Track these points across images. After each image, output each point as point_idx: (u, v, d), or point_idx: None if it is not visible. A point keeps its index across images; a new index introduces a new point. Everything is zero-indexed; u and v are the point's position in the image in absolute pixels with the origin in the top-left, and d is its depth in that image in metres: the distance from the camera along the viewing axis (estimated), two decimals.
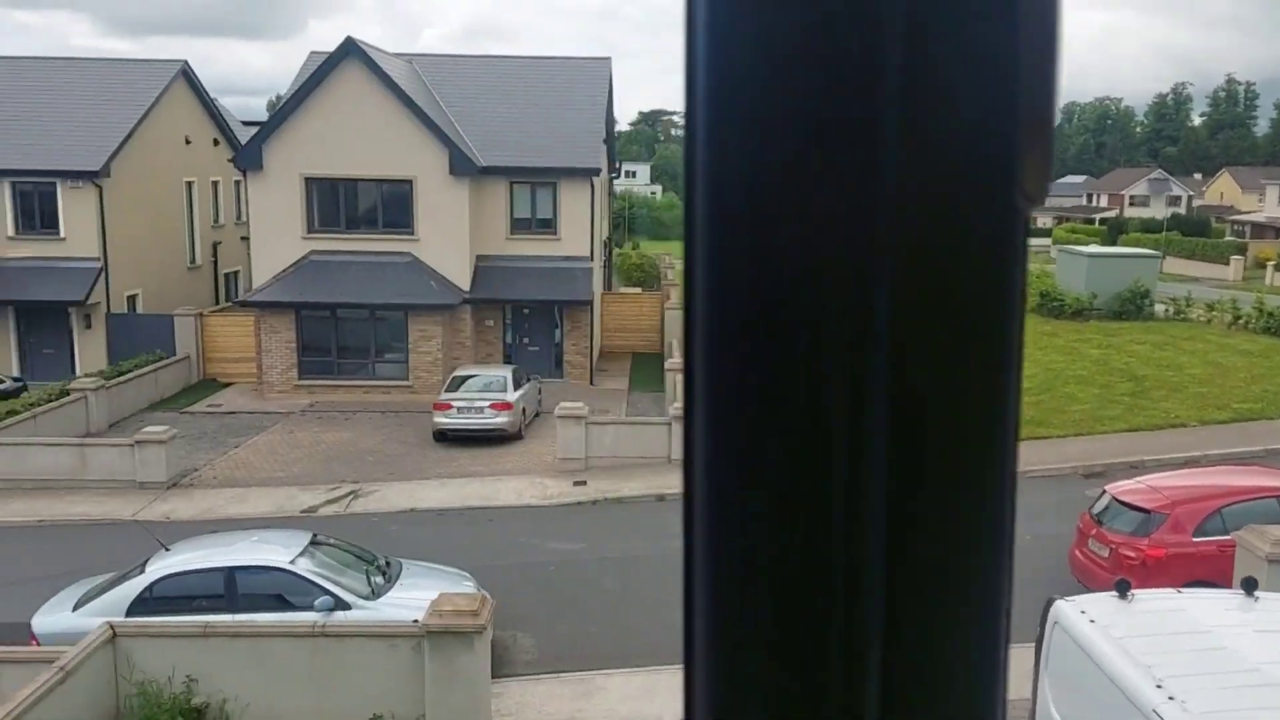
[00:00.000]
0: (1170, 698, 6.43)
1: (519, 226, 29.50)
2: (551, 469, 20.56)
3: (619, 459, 20.40)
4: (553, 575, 15.21)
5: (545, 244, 29.28)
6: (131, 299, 30.00)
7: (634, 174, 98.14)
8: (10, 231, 28.12)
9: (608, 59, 33.73)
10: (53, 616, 11.90)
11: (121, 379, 25.14)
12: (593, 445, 20.50)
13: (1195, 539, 12.57)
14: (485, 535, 17.17)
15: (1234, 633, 7.39)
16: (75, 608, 11.90)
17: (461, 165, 27.95)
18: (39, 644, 11.42)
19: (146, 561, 12.34)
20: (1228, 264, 55.34)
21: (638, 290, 40.83)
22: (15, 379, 26.04)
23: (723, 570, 0.48)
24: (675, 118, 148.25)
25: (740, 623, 0.47)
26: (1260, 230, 66.64)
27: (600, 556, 16.06)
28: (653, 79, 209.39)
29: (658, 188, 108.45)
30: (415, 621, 10.62)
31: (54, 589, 12.96)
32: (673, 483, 19.33)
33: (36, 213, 28.30)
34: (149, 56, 45.70)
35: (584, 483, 19.66)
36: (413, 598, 11.82)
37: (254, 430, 23.96)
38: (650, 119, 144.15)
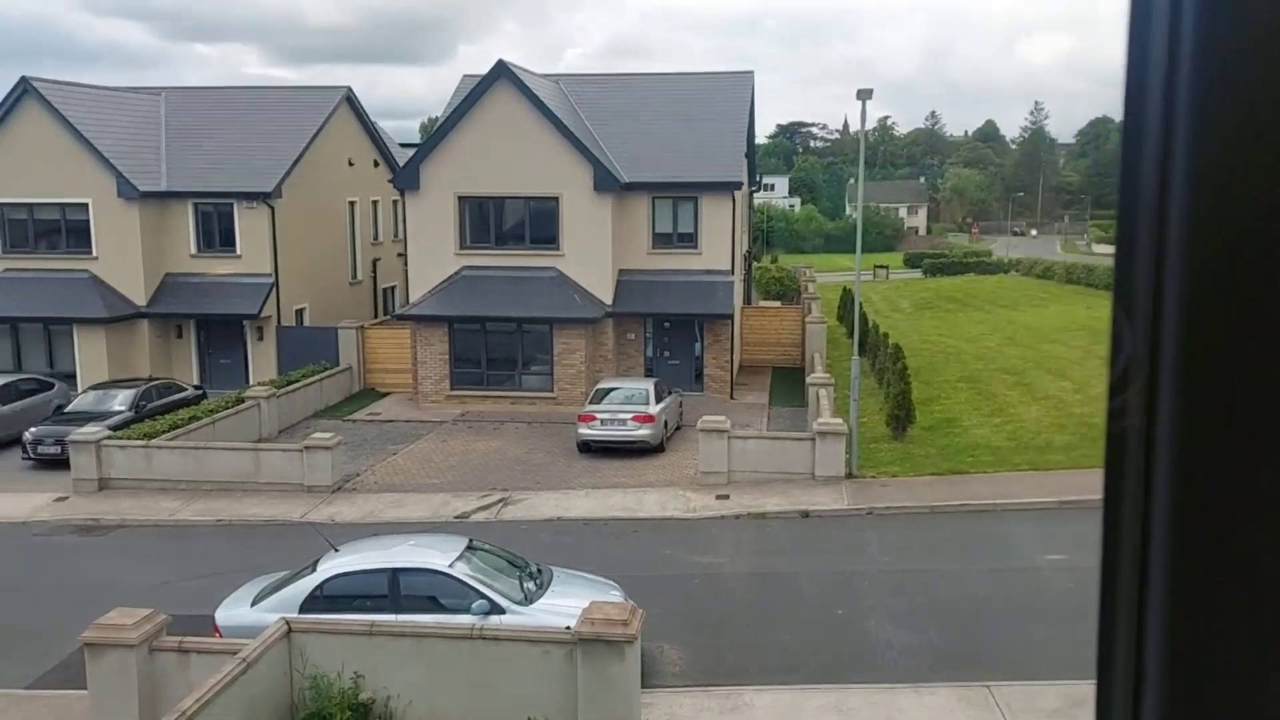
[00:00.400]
0: None
1: (660, 241, 29.90)
2: (693, 482, 20.72)
3: (761, 474, 20.38)
4: (697, 588, 15.34)
5: (686, 258, 29.57)
6: (299, 312, 31.90)
7: (772, 187, 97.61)
8: (193, 249, 30.39)
9: (750, 73, 33.83)
10: (234, 611, 12.80)
11: (290, 388, 26.77)
12: (735, 459, 20.55)
13: None
14: (630, 546, 17.46)
15: None
16: (254, 603, 12.76)
17: (605, 182, 28.56)
18: (221, 636, 12.31)
19: (317, 561, 13.12)
20: None
21: (777, 304, 40.70)
22: (196, 387, 28.08)
23: (1195, 578, 0.47)
24: (814, 129, 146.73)
25: (1214, 628, 0.46)
26: None
27: (745, 571, 16.10)
28: (791, 91, 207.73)
29: (796, 200, 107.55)
30: (567, 629, 10.93)
31: (233, 584, 13.94)
32: (818, 499, 19.19)
33: (216, 232, 30.50)
34: (313, 84, 48.39)
35: (726, 497, 19.73)
36: (564, 605, 12.17)
37: (410, 438, 25.07)
38: (788, 131, 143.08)
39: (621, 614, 10.76)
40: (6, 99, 28.98)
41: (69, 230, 29.51)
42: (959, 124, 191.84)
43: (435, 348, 28.63)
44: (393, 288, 38.23)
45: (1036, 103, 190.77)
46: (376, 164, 37.30)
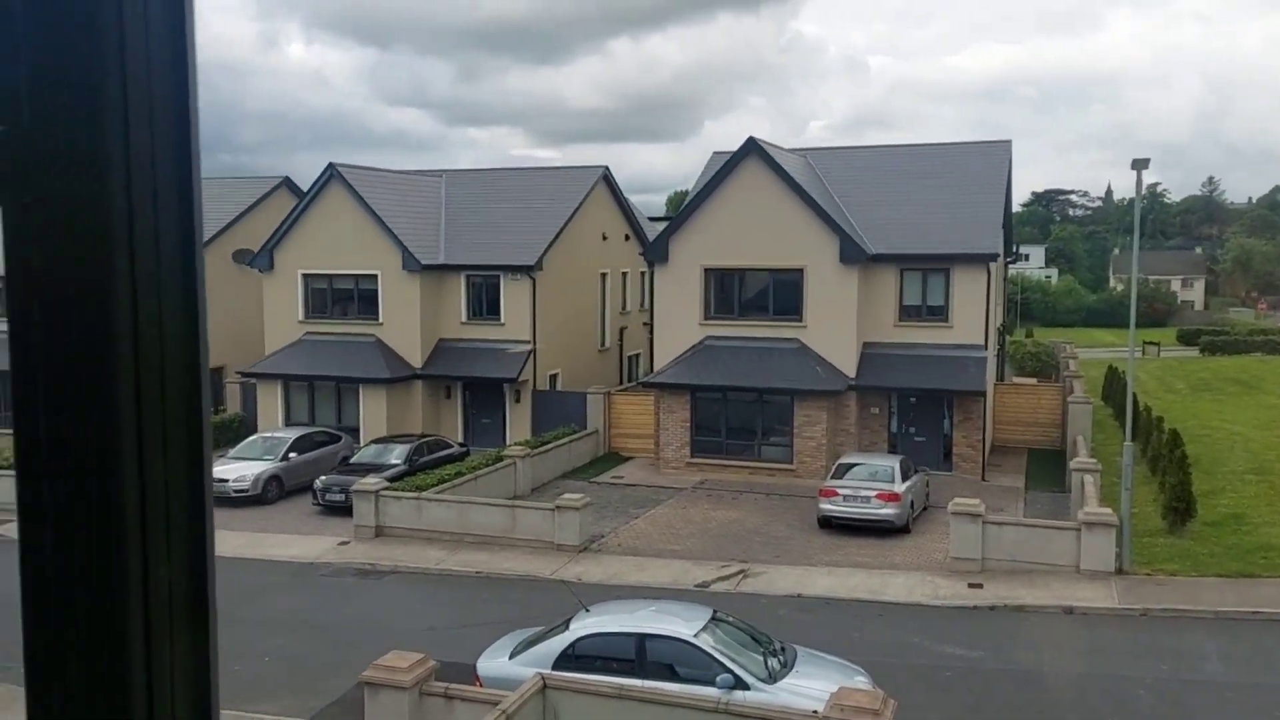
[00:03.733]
0: None
1: (908, 314, 29.31)
2: (943, 567, 19.89)
3: (1018, 563, 19.26)
4: (948, 681, 14.66)
5: (935, 331, 28.78)
6: (553, 377, 33.73)
7: (1027, 257, 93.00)
8: (463, 317, 32.99)
9: (1008, 142, 32.82)
10: (493, 661, 13.59)
11: (543, 448, 28.27)
12: (989, 546, 19.55)
13: None
14: (874, 630, 16.97)
15: None
16: (511, 655, 13.50)
17: (851, 253, 28.46)
18: (482, 684, 13.09)
19: (569, 620, 13.73)
20: None
21: (1033, 380, 38.57)
22: (461, 444, 30.24)
23: None
24: (1073, 196, 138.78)
25: None
26: None
27: (1000, 667, 15.21)
28: (1046, 157, 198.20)
29: (1053, 271, 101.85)
30: (815, 712, 10.79)
31: (490, 634, 14.81)
32: (1084, 595, 17.87)
33: (484, 301, 32.98)
34: (570, 163, 51.59)
35: (979, 585, 18.77)
36: (809, 686, 12.02)
37: (651, 503, 25.72)
38: (1044, 199, 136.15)
39: (873, 701, 10.51)
40: (316, 181, 32.94)
41: (360, 298, 32.87)
42: (1240, 190, 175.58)
43: (677, 415, 29.34)
44: (637, 355, 39.64)
45: None
46: (627, 238, 39.08)
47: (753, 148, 29.19)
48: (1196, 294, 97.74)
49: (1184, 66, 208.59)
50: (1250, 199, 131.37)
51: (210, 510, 1.05)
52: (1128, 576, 18.65)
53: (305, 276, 32.97)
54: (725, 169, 29.63)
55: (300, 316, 33.08)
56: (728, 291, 30.15)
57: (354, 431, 30.89)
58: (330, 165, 32.58)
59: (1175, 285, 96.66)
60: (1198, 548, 20.22)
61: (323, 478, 25.81)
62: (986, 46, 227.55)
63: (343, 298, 33.17)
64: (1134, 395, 25.54)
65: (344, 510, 23.69)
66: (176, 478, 1.01)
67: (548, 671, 12.37)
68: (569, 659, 12.96)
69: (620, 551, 21.75)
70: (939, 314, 29.07)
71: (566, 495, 22.72)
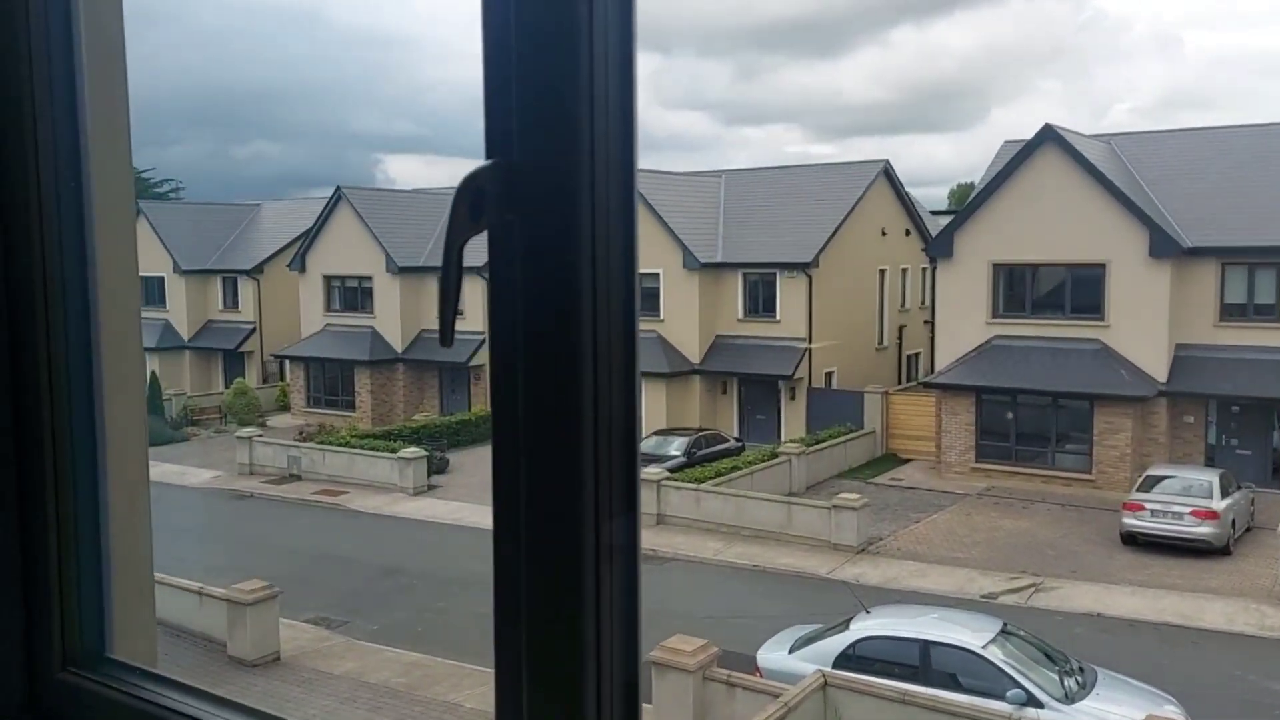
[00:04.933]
0: None
1: (1230, 312, 26.35)
2: (1271, 595, 17.76)
3: None
4: None
5: (1265, 332, 25.67)
6: (828, 375, 33.40)
7: None
8: (740, 314, 33.45)
9: None
10: (773, 654, 13.77)
11: (818, 446, 28.10)
12: None
13: None
14: (1186, 658, 15.47)
15: None
16: (791, 650, 13.62)
17: (1162, 246, 26.00)
18: (762, 676, 13.30)
19: (850, 620, 13.63)
20: None
21: None
22: (737, 439, 30.70)
23: None
24: None
25: None
26: None
27: None
28: None
29: None
30: None
31: (766, 627, 14.99)
32: None
33: (760, 298, 33.27)
34: (848, 158, 50.62)
35: None
36: (1110, 711, 11.23)
37: (932, 508, 24.85)
38: None
39: None
40: None
41: (644, 296, 34.15)
42: None
43: (961, 417, 28.11)
44: (917, 354, 38.35)
45: None
46: (908, 233, 37.91)
47: (1049, 135, 27.38)
48: None
49: None
50: None
51: (638, 487, 1.23)
52: None
53: None
54: (1018, 158, 28.00)
55: None
56: (1018, 288, 28.49)
57: None
58: None
59: None
60: None
61: None
62: None
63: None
64: None
65: None
66: (617, 460, 1.20)
67: (829, 669, 12.36)
68: (848, 659, 12.89)
69: (899, 555, 21.22)
70: (1269, 313, 25.91)
71: (843, 494, 22.48)
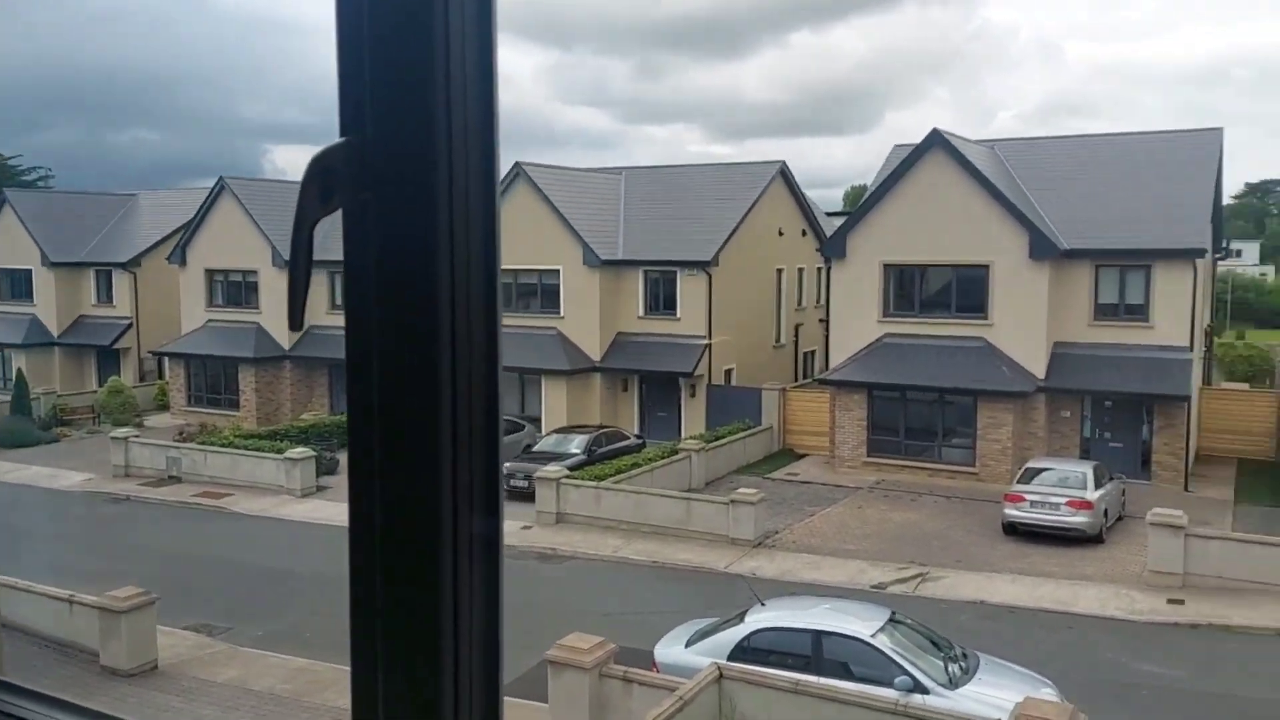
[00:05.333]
0: None
1: (1104, 312, 27.69)
2: (1140, 581, 18.73)
3: (1225, 581, 17.90)
4: (1145, 701, 13.84)
5: (1134, 331, 27.06)
6: (728, 372, 33.82)
7: (1239, 253, 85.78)
8: (641, 311, 33.58)
9: (1218, 130, 30.38)
10: (670, 650, 13.84)
11: (718, 443, 28.44)
12: (1192, 561, 18.26)
13: None
14: (1063, 643, 16.19)
15: None
16: (688, 645, 13.71)
17: (1042, 249, 27.14)
18: (659, 671, 13.36)
19: (745, 613, 13.81)
20: None
21: (1244, 386, 35.60)
22: (638, 436, 30.83)
23: None
24: None
25: None
26: None
27: (1206, 690, 14.22)
28: (1264, 146, 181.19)
29: (1269, 268, 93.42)
30: None
31: (665, 623, 15.07)
32: None
33: (660, 296, 33.46)
34: (747, 158, 51.37)
35: (1180, 601, 17.57)
36: (992, 695, 11.65)
37: (826, 501, 25.42)
38: (1259, 190, 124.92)
39: (1060, 714, 10.08)
40: (504, 180, 34.31)
41: (544, 293, 34.02)
42: None
43: (854, 413, 28.84)
44: (813, 352, 39.18)
45: None
46: (804, 233, 38.67)
47: (936, 140, 28.29)
48: None
49: None
50: None
51: (500, 482, 1.20)
52: None
53: None
54: (907, 162, 28.86)
55: None
56: (908, 288, 29.38)
57: (535, 420, 32.02)
58: (516, 164, 33.83)
59: None
60: None
61: (507, 464, 26.90)
62: (1195, 27, 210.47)
63: (526, 292, 34.39)
64: None
65: (526, 496, 24.61)
66: (477, 453, 1.17)
67: (724, 662, 12.50)
68: (744, 651, 13.05)
69: (795, 549, 21.63)
70: (1138, 313, 27.31)
71: (742, 490, 22.79)
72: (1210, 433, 29.49)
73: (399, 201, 1.12)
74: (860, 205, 31.37)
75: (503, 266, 1.16)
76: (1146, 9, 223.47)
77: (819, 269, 37.06)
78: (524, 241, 33.52)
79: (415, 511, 1.15)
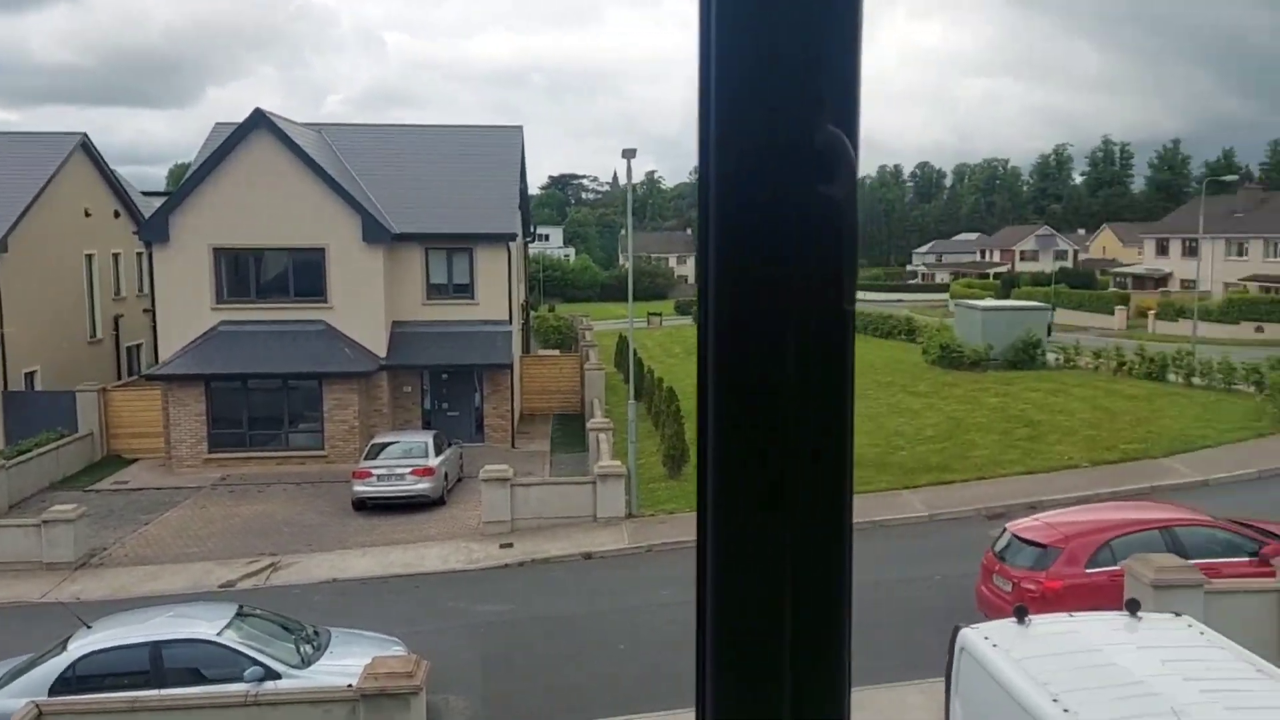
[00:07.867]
0: (1065, 710, 7.04)
1: (435, 292, 29.77)
2: (477, 533, 20.63)
3: (544, 520, 20.61)
4: (482, 637, 15.30)
5: (463, 309, 29.58)
6: (30, 375, 29.12)
7: (546, 237, 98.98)
8: None
9: (519, 128, 34.53)
10: None
11: (21, 459, 24.35)
12: (518, 507, 20.66)
13: (1088, 570, 13.45)
14: (412, 601, 17.14)
15: (1120, 650, 8.09)
16: None
17: (375, 232, 28.17)
18: None
19: (67, 640, 12.08)
20: (1112, 314, 58.60)
21: (556, 352, 41.28)
22: None
23: None
24: (585, 181, 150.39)
25: None
26: (1140, 281, 70.79)
27: (530, 616, 16.21)
28: (562, 143, 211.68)
29: (570, 251, 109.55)
30: (349, 686, 10.66)
31: None
32: (600, 541, 19.65)
33: None
34: (41, 128, 44.71)
35: (510, 545, 19.79)
36: (344, 665, 11.84)
37: (164, 506, 23.42)
38: (560, 183, 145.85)
39: (405, 666, 10.64)
40: None
41: None
42: None
43: (190, 408, 26.95)
44: (138, 346, 35.68)
45: None
46: (118, 214, 34.90)
47: (261, 120, 27.57)
48: (689, 269, 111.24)
49: (669, 67, 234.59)
50: None
51: None
52: (636, 519, 20.86)
53: None
54: (230, 142, 27.62)
55: None
56: (243, 273, 28.26)
57: None
58: None
59: (672, 262, 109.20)
60: (691, 487, 23.13)
61: None
62: (500, 34, 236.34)
63: None
64: (638, 360, 28.57)
65: None
66: None
67: (42, 699, 10.79)
68: (68, 682, 11.44)
69: (128, 562, 19.55)
70: (465, 292, 29.90)
71: (56, 507, 19.86)
72: (531, 394, 33.62)
73: None
74: (181, 186, 29.22)
75: None
76: (454, 10, 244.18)
77: (139, 254, 33.78)
78: None
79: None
